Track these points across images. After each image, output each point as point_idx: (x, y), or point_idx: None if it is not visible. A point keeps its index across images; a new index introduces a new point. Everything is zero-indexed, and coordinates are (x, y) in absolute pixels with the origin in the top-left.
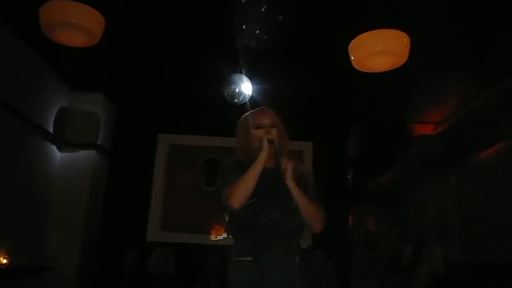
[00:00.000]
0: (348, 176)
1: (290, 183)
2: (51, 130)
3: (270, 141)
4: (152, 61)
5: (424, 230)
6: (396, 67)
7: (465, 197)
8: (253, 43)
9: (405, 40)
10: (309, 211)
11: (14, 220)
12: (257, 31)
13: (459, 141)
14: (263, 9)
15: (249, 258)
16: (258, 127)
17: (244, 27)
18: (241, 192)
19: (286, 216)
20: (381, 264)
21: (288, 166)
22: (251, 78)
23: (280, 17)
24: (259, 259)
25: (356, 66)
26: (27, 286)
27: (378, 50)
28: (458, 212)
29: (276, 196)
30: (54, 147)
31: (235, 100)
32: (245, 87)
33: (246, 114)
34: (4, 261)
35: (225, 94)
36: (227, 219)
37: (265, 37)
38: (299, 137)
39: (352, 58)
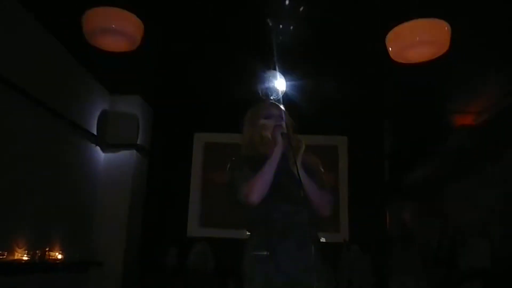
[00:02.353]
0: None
1: (300, 172)
2: (94, 132)
3: (284, 135)
4: (186, 61)
5: (465, 224)
6: (436, 57)
7: (509, 190)
8: (287, 38)
9: (446, 29)
10: (315, 196)
11: (65, 218)
12: (291, 27)
13: (501, 132)
14: (296, 4)
15: (264, 253)
16: (267, 117)
17: (277, 23)
18: (259, 188)
19: (298, 208)
20: (420, 259)
21: (297, 154)
22: (285, 74)
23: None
24: (274, 253)
25: (394, 57)
26: (79, 281)
27: (417, 41)
28: (500, 205)
29: (287, 188)
30: (97, 148)
31: (269, 97)
32: (279, 84)
33: (252, 108)
34: (60, 256)
35: (259, 91)
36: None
37: (298, 32)
38: (334, 132)
39: (390, 49)
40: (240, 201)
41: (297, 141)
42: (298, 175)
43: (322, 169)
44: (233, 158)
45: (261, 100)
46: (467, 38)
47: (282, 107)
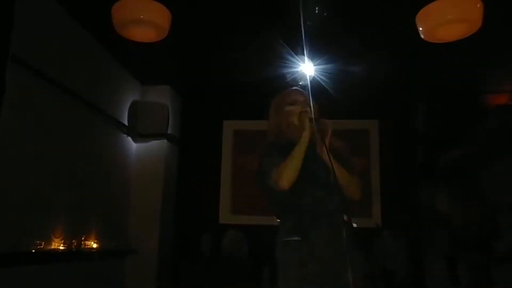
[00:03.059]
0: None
1: (327, 156)
2: (126, 122)
3: (311, 120)
4: (213, 49)
5: (501, 206)
6: (468, 35)
7: None
8: (315, 22)
9: (478, 6)
10: (346, 181)
11: (100, 208)
12: (318, 10)
13: None
14: None
15: (296, 238)
16: (292, 103)
17: (305, 6)
18: (290, 173)
19: (328, 193)
20: (455, 243)
21: (325, 139)
22: (313, 58)
23: None
24: (306, 238)
25: (425, 37)
26: (115, 269)
27: (448, 19)
28: None
29: (316, 174)
30: (129, 139)
31: (297, 83)
32: (307, 69)
33: (277, 96)
34: (95, 245)
35: (287, 77)
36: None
37: (326, 16)
38: (365, 115)
39: (421, 29)
40: (271, 187)
41: (324, 125)
42: (330, 160)
43: (350, 153)
44: (262, 145)
45: (288, 86)
46: (500, 15)
47: (306, 92)
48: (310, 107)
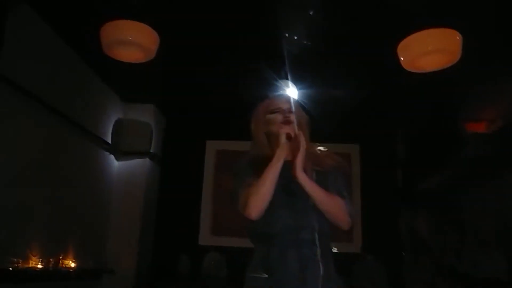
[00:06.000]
0: (398, 178)
1: (300, 175)
2: (109, 140)
3: (289, 136)
4: (198, 70)
5: (482, 233)
6: (448, 65)
7: None
8: (297, 48)
9: (457, 38)
10: (327, 206)
11: (78, 226)
12: (301, 36)
13: None
14: (307, 14)
15: (263, 275)
16: (273, 111)
17: (288, 32)
18: (258, 199)
19: (305, 221)
20: (434, 269)
21: (297, 155)
22: (296, 83)
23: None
24: (273, 275)
25: (405, 67)
26: None
27: (429, 50)
28: None
29: (292, 196)
30: (111, 156)
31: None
32: (291, 92)
33: (260, 102)
34: (72, 264)
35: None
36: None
37: (309, 42)
38: (346, 139)
39: (402, 59)
40: (240, 212)
41: (297, 142)
42: (306, 181)
43: (344, 173)
44: (237, 161)
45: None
46: (478, 46)
47: (292, 99)
48: (293, 115)
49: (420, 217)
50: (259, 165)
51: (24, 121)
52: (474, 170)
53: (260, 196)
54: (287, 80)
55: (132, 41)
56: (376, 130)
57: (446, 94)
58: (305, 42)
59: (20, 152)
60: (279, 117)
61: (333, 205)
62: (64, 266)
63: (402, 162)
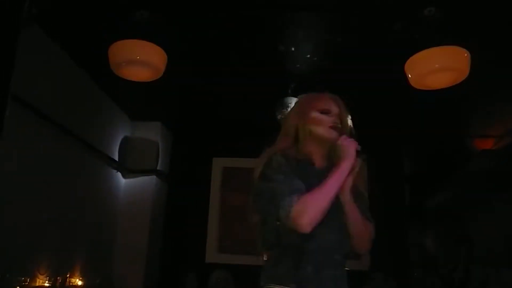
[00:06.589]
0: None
1: (345, 193)
2: (116, 158)
3: (358, 152)
4: (204, 87)
5: (491, 251)
6: (456, 83)
7: None
8: (304, 65)
9: (465, 56)
10: (358, 230)
11: (86, 244)
12: (308, 53)
13: None
14: (313, 31)
15: (292, 287)
16: (325, 112)
17: (294, 49)
18: (317, 213)
19: (339, 241)
20: (443, 286)
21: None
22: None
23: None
24: None
25: (413, 84)
26: None
27: (436, 68)
28: None
29: (334, 211)
30: (118, 174)
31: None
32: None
33: (304, 96)
34: (80, 283)
35: (278, 116)
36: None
37: (315, 58)
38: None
39: (409, 76)
40: (285, 222)
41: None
42: (347, 200)
43: (367, 193)
44: (265, 154)
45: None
46: (487, 64)
47: (343, 104)
48: (339, 120)
49: (428, 233)
50: (303, 166)
51: (30, 140)
52: (479, 187)
53: (320, 211)
54: (293, 97)
55: (140, 60)
56: (383, 146)
57: (452, 109)
58: (311, 59)
59: (26, 170)
60: (328, 119)
61: (364, 230)
62: (71, 284)
63: (409, 178)
